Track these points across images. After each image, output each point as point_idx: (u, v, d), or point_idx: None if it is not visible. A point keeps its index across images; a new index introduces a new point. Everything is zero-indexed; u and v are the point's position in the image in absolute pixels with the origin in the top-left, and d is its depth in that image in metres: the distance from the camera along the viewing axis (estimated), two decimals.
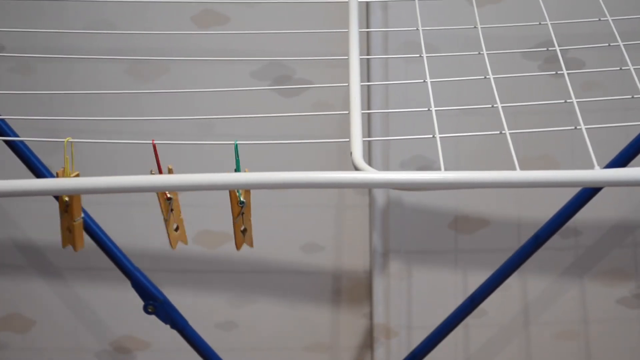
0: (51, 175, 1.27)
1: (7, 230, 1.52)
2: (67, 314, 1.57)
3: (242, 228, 1.01)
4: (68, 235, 0.99)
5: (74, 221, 0.98)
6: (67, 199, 0.97)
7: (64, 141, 0.98)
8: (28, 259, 1.55)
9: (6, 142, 1.22)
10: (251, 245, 1.01)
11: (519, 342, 1.60)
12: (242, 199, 1.00)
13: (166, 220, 0.99)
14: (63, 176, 0.96)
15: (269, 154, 1.23)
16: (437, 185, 0.84)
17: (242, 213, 1.00)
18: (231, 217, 1.00)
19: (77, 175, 0.97)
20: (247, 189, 0.98)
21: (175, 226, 1.00)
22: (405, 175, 0.85)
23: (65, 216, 0.98)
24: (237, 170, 0.94)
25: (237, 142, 0.94)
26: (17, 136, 1.23)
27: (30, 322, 1.58)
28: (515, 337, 1.60)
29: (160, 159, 0.96)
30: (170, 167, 0.96)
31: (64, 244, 0.99)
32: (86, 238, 1.32)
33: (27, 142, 1.22)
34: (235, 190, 0.99)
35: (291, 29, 1.32)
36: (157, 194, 0.98)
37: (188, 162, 1.37)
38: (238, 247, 1.01)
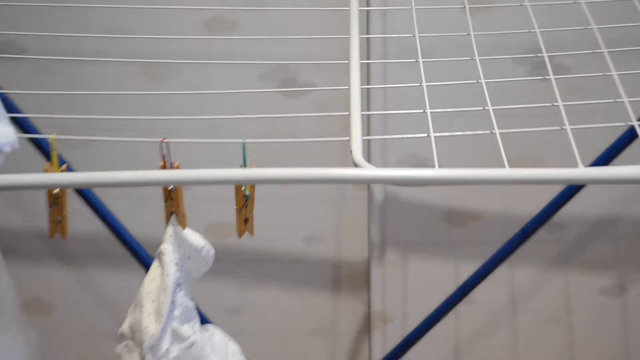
0: (70, 168, 1.27)
1: (31, 221, 1.53)
2: (86, 298, 1.59)
3: (244, 218, 1.01)
4: (56, 226, 0.99)
5: (64, 212, 0.99)
6: (56, 192, 0.98)
7: (89, 139, 0.99)
8: (50, 248, 1.55)
9: (31, 139, 1.23)
10: (252, 232, 1.01)
11: (506, 328, 1.60)
12: (247, 193, 1.00)
13: (238, 213, 0.99)
14: (51, 170, 0.96)
15: (274, 151, 1.22)
16: (431, 181, 0.84)
17: (246, 205, 1.01)
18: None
19: (65, 170, 0.98)
20: (254, 184, 0.99)
21: (244, 219, 1.00)
22: (402, 172, 0.85)
23: (53, 209, 0.98)
24: (244, 166, 0.95)
25: (245, 140, 0.94)
26: (39, 133, 1.23)
27: (51, 306, 1.59)
28: (503, 324, 1.60)
29: (173, 156, 0.96)
30: (177, 164, 0.96)
31: (52, 235, 0.99)
32: (104, 229, 1.33)
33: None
34: (242, 185, 0.99)
35: (296, 34, 1.32)
36: (235, 189, 0.98)
37: (199, 159, 1.37)
38: (240, 235, 1.01)
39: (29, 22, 1.35)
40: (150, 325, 0.94)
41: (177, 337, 0.96)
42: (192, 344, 0.98)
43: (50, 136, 0.98)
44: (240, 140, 0.94)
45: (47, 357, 1.60)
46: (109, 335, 1.58)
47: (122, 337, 0.98)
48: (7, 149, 0.54)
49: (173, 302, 0.95)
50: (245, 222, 1.01)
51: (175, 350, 0.96)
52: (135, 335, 0.96)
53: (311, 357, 1.63)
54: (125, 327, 0.98)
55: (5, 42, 1.38)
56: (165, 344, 0.95)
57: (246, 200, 1.00)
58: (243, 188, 1.00)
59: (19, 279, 1.54)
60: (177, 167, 0.96)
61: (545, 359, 1.62)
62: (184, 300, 0.98)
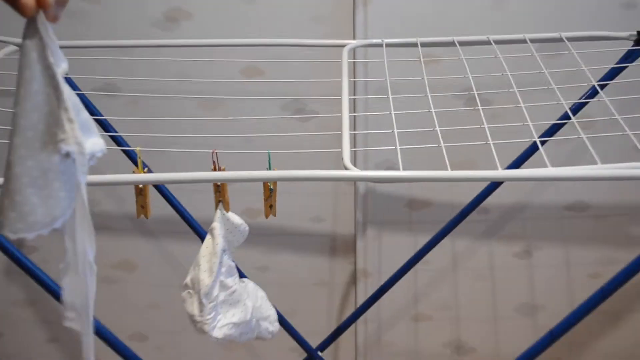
0: (150, 170, 1.28)
1: (120, 206, 1.54)
2: (159, 261, 1.59)
3: (270, 204, 1.02)
4: (141, 209, 1.00)
5: (147, 200, 1.00)
6: (141, 187, 0.99)
7: (153, 150, 1.00)
8: (134, 225, 1.56)
9: (123, 150, 1.24)
10: (275, 215, 1.02)
11: (449, 281, 1.61)
12: (271, 187, 1.01)
13: (265, 201, 1.00)
14: (137, 172, 0.97)
15: (290, 159, 1.23)
16: (398, 179, 0.85)
17: (271, 196, 1.02)
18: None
19: (147, 172, 0.99)
20: (276, 181, 0.99)
21: (269, 204, 1.01)
22: (378, 173, 0.87)
23: (139, 198, 1.00)
24: (269, 169, 0.96)
25: (270, 151, 0.95)
26: (129, 146, 1.25)
27: (134, 266, 1.60)
28: (447, 278, 1.61)
29: (219, 162, 0.97)
30: (223, 168, 0.97)
31: (138, 215, 1.01)
32: (172, 212, 1.34)
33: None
34: (268, 182, 1.00)
35: (305, 78, 1.32)
36: (263, 184, 0.99)
37: (237, 165, 1.38)
38: (266, 216, 1.02)
39: (119, 67, 1.36)
40: (205, 279, 0.94)
41: (223, 286, 0.97)
42: (233, 292, 0.98)
43: (136, 148, 1.00)
44: (267, 151, 0.96)
45: (130, 301, 1.61)
46: (175, 287, 1.60)
47: (185, 287, 0.99)
48: (99, 154, 0.55)
49: (220, 263, 0.96)
50: (270, 207, 1.02)
51: (222, 296, 0.96)
52: (194, 285, 0.96)
53: (315, 301, 1.63)
54: (187, 280, 0.99)
55: (106, 84, 1.39)
56: (215, 291, 0.95)
57: (271, 192, 1.01)
58: (269, 184, 1.01)
59: (112, 246, 1.57)
60: (223, 170, 0.97)
61: (476, 302, 1.62)
62: (227, 261, 0.98)
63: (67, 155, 0.51)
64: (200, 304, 0.94)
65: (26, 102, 0.50)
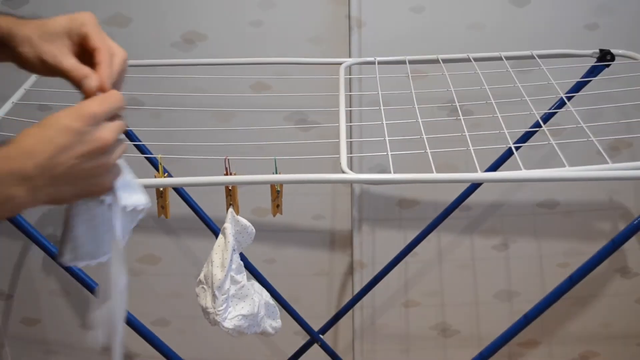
0: (170, 175, 1.28)
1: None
2: (179, 255, 1.59)
3: (277, 204, 1.02)
4: (161, 210, 1.01)
5: (166, 201, 1.00)
6: (161, 189, 0.99)
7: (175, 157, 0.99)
8: (157, 223, 1.56)
9: (146, 157, 1.24)
10: (281, 213, 1.02)
11: (436, 271, 1.61)
12: (278, 189, 1.01)
13: (273, 201, 1.00)
14: (158, 177, 0.98)
15: (293, 164, 1.23)
16: (389, 181, 0.85)
17: (278, 197, 1.02)
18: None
19: (167, 176, 0.99)
20: (282, 183, 0.99)
21: (277, 204, 1.01)
22: (372, 176, 0.87)
23: (160, 199, 1.00)
24: (276, 173, 0.96)
25: (276, 157, 0.95)
26: (152, 154, 1.25)
27: (158, 259, 1.59)
28: (433, 268, 1.61)
29: (231, 167, 0.97)
30: (234, 172, 0.97)
31: (159, 215, 1.01)
32: (190, 212, 1.34)
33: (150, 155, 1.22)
34: (275, 184, 1.00)
35: (306, 92, 1.33)
36: (270, 186, 0.99)
37: (247, 169, 1.38)
38: (274, 215, 1.02)
39: (143, 83, 1.36)
40: (217, 274, 0.94)
41: (233, 281, 0.96)
42: (242, 286, 0.97)
43: (158, 155, 1.00)
44: (273, 158, 0.96)
45: (154, 291, 1.61)
46: (193, 277, 1.60)
47: (199, 282, 0.98)
48: (140, 207, 0.59)
49: (231, 260, 0.95)
50: (277, 207, 1.02)
51: (232, 290, 0.96)
52: (207, 280, 0.96)
53: (316, 289, 1.62)
54: (201, 276, 0.98)
55: (130, 98, 1.39)
56: (226, 285, 0.95)
57: (277, 194, 1.01)
58: (276, 186, 1.01)
59: (138, 242, 1.57)
60: (234, 174, 0.97)
61: (459, 289, 1.62)
62: (237, 259, 0.98)
63: (110, 206, 0.56)
64: (213, 296, 0.94)
65: None
